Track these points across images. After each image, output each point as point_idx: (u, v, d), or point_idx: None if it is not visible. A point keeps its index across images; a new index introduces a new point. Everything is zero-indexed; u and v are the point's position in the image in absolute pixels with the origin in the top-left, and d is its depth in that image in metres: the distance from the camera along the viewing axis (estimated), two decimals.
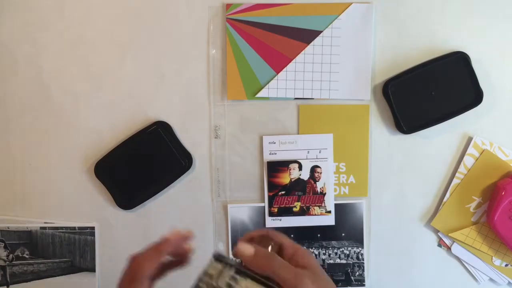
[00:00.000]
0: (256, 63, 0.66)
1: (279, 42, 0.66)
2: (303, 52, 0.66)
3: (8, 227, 0.69)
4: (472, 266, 0.69)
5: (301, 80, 0.67)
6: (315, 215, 0.68)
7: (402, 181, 0.69)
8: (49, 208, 0.69)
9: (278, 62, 0.66)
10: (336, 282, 0.69)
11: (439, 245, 0.69)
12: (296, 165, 0.68)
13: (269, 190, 0.68)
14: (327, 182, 0.68)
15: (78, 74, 0.67)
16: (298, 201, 0.68)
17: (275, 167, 0.68)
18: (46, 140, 0.68)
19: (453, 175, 0.68)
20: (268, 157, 0.68)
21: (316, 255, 0.69)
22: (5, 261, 0.70)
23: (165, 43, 0.67)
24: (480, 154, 0.67)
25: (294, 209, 0.68)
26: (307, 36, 0.66)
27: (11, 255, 0.69)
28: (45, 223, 0.69)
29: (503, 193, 0.64)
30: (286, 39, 0.66)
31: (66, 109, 0.68)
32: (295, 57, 0.66)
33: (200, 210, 0.69)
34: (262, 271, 0.40)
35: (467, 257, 0.69)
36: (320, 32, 0.66)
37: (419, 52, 0.66)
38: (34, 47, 0.67)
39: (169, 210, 0.69)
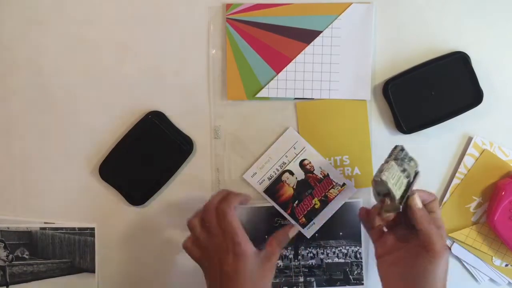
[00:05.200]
0: (256, 63, 0.66)
1: (279, 42, 0.66)
2: (303, 52, 0.66)
3: (8, 227, 0.69)
4: (472, 266, 0.69)
5: (301, 80, 0.67)
6: (335, 197, 0.68)
7: None
8: (49, 208, 0.69)
9: (278, 62, 0.66)
10: (335, 281, 0.70)
11: None
12: (287, 173, 0.68)
13: (284, 209, 0.68)
14: (322, 164, 0.68)
15: (78, 74, 0.67)
16: (313, 198, 0.68)
17: (273, 189, 0.68)
18: (46, 140, 0.68)
19: (453, 175, 0.68)
20: (260, 187, 0.68)
21: (314, 254, 0.69)
22: (4, 261, 0.69)
23: (165, 43, 0.67)
24: (480, 154, 0.67)
25: (316, 207, 0.68)
26: (307, 36, 0.66)
27: (10, 256, 0.69)
28: (45, 223, 0.69)
29: (503, 193, 0.64)
30: (286, 39, 0.66)
31: (66, 109, 0.68)
32: (295, 57, 0.66)
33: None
34: (419, 222, 0.55)
35: (467, 257, 0.69)
36: (320, 32, 0.66)
37: (419, 52, 0.66)
38: (34, 47, 0.67)
39: (169, 212, 0.69)
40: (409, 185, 0.56)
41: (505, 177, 0.66)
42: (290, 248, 0.69)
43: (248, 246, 0.55)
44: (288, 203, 0.68)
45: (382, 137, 0.68)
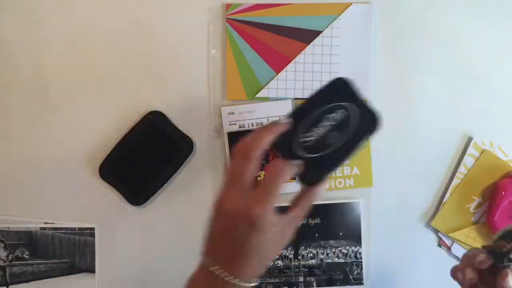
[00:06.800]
0: (256, 63, 0.66)
1: (279, 42, 0.66)
2: (303, 52, 0.66)
3: (8, 228, 0.69)
4: None
5: (301, 80, 0.67)
6: None
7: (402, 181, 0.69)
8: (49, 208, 0.69)
9: (278, 62, 0.66)
10: (335, 281, 0.70)
11: (439, 245, 0.69)
12: None
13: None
14: None
15: (78, 74, 0.67)
16: (261, 170, 0.67)
17: (236, 138, 0.67)
18: (46, 140, 0.68)
19: (453, 175, 0.68)
20: (228, 128, 0.68)
21: (314, 254, 0.69)
22: (4, 261, 0.69)
23: (165, 43, 0.67)
24: (480, 154, 0.67)
25: (259, 179, 0.67)
26: (307, 36, 0.66)
27: (10, 256, 0.69)
28: (45, 223, 0.69)
29: (503, 193, 0.64)
30: (286, 39, 0.66)
31: (66, 109, 0.68)
32: (295, 57, 0.66)
33: (199, 211, 0.69)
34: None
35: None
36: (320, 32, 0.66)
37: (419, 52, 0.66)
38: (34, 47, 0.67)
39: (168, 212, 0.69)
40: None
41: (505, 177, 0.66)
42: (290, 248, 0.69)
43: (270, 217, 0.44)
44: None
45: (382, 137, 0.68)
